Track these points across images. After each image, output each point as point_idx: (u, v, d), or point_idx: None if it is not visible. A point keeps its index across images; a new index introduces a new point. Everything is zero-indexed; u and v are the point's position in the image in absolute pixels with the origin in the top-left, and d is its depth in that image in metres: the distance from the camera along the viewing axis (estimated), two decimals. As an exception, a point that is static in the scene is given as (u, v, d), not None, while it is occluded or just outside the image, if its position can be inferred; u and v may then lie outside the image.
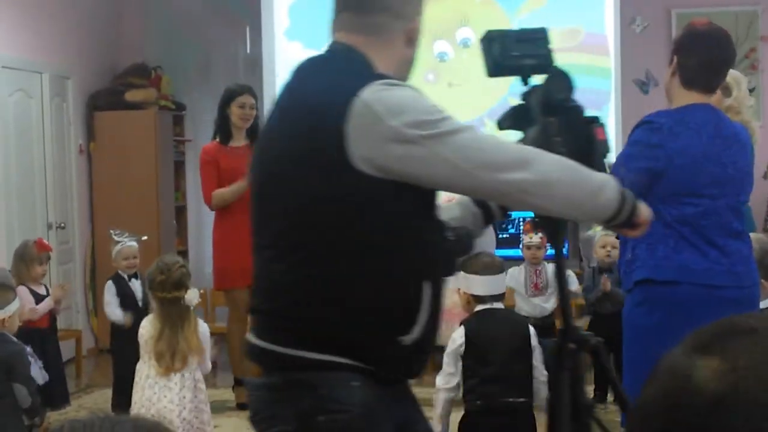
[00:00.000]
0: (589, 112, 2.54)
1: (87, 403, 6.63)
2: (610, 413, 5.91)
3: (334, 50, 2.28)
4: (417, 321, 2.17)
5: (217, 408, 6.25)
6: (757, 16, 8.48)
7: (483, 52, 2.52)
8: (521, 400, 3.78)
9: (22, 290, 5.65)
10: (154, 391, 4.31)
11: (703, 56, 3.56)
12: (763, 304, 3.85)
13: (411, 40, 2.29)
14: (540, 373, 3.79)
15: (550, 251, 6.94)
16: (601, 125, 2.50)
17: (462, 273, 3.83)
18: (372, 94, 2.06)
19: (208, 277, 6.78)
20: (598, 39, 8.22)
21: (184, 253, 8.87)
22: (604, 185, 2.23)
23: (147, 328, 4.41)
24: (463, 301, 3.90)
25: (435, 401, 3.85)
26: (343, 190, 2.09)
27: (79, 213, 8.45)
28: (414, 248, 2.16)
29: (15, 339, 4.70)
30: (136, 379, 4.42)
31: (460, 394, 3.85)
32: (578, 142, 2.42)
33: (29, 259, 5.83)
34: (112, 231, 6.18)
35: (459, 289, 3.93)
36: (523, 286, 6.46)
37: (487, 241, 3.96)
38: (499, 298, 3.86)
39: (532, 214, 7.63)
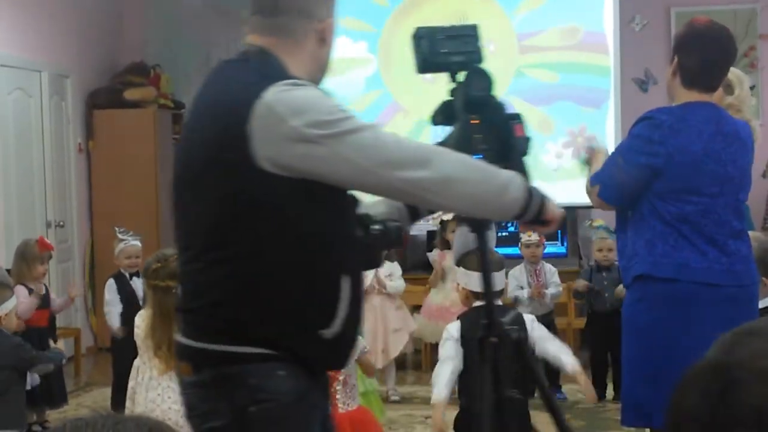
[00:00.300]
0: (510, 109, 2.60)
1: (86, 402, 6.63)
2: (609, 411, 5.92)
3: (246, 53, 2.31)
4: (337, 314, 2.21)
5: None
6: (756, 14, 8.48)
7: (413, 49, 2.58)
8: (516, 396, 3.77)
9: (19, 289, 5.67)
10: (158, 392, 4.30)
11: (704, 56, 3.55)
12: (763, 303, 3.84)
13: (323, 39, 2.32)
14: (543, 337, 3.78)
15: (549, 249, 7.01)
16: (521, 122, 2.55)
17: (461, 269, 3.82)
18: (274, 95, 2.10)
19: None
20: (597, 37, 8.21)
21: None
22: (510, 183, 2.27)
23: (140, 324, 4.41)
24: (462, 296, 3.89)
25: (437, 372, 3.75)
26: (250, 190, 2.13)
27: (78, 211, 8.44)
28: (328, 243, 2.20)
29: (10, 333, 4.71)
30: (138, 379, 4.41)
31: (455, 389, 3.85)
32: (498, 138, 2.47)
33: (31, 258, 5.85)
34: (116, 228, 6.20)
35: (458, 284, 3.92)
36: (525, 286, 6.46)
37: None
38: (498, 294, 3.84)
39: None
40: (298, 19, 2.28)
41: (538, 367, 2.79)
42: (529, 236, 6.52)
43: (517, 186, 2.28)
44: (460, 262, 3.84)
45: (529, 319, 3.86)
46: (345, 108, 2.15)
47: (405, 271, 6.80)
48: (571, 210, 8.34)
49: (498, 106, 2.54)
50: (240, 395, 2.17)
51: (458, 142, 2.40)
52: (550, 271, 6.56)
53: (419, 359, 7.46)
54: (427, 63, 2.59)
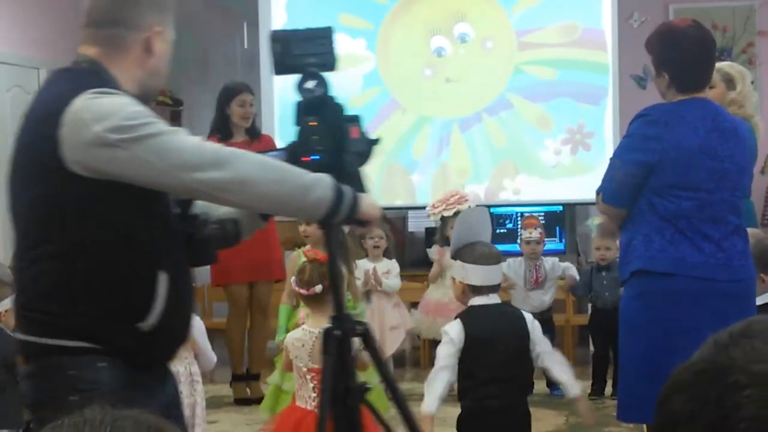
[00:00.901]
0: (349, 111, 2.70)
1: (85, 399, 6.62)
2: (607, 408, 5.92)
3: (76, 62, 2.46)
4: (152, 309, 2.33)
5: (215, 403, 6.26)
6: (754, 11, 8.48)
7: (269, 52, 2.69)
8: (518, 399, 3.75)
9: None
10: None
11: (690, 60, 3.59)
12: (761, 299, 3.84)
13: (149, 49, 2.47)
14: (546, 353, 3.76)
15: (547, 246, 7.01)
16: (359, 124, 2.66)
17: (458, 262, 3.80)
18: (81, 102, 2.25)
19: (205, 273, 6.78)
20: (595, 34, 8.21)
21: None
22: (315, 184, 2.39)
23: None
24: (458, 290, 3.85)
25: (432, 381, 3.71)
26: (64, 193, 2.28)
27: (77, 209, 8.43)
28: (142, 241, 2.35)
29: (10, 333, 4.71)
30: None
31: (455, 387, 3.82)
32: (334, 139, 2.60)
33: None
34: None
35: (455, 279, 3.90)
36: (522, 279, 6.47)
37: (483, 231, 3.92)
38: (495, 289, 3.81)
39: (531, 210, 7.62)
40: (123, 30, 2.44)
41: (385, 363, 2.87)
42: (530, 233, 6.52)
43: (324, 187, 2.40)
44: (457, 255, 3.82)
45: (529, 318, 3.84)
46: (149, 114, 2.30)
47: (403, 268, 6.80)
48: (569, 207, 8.35)
49: (336, 108, 2.66)
50: (62, 385, 2.30)
51: (297, 143, 2.59)
52: (552, 267, 6.56)
53: (417, 356, 7.46)
54: (281, 65, 2.70)
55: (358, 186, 2.55)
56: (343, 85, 8.29)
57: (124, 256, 2.33)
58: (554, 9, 8.19)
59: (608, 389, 6.33)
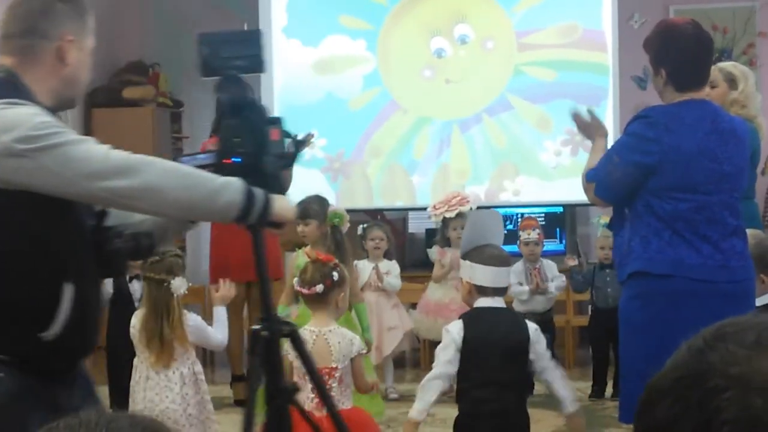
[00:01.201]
0: (270, 114, 2.79)
1: (85, 400, 6.62)
2: (608, 409, 5.92)
3: None
4: (55, 319, 2.35)
5: (215, 404, 6.22)
6: (754, 12, 8.48)
7: (197, 54, 2.74)
8: (516, 403, 3.75)
9: None
10: (156, 392, 4.31)
11: (688, 58, 3.59)
12: (761, 300, 3.84)
13: (62, 58, 2.51)
14: (548, 368, 3.76)
15: (547, 247, 7.00)
16: (279, 127, 2.72)
17: (467, 262, 3.80)
18: None
19: (206, 274, 6.78)
20: (596, 35, 8.21)
21: (181, 250, 8.85)
22: (224, 189, 2.43)
23: (135, 323, 4.42)
24: (465, 290, 3.84)
25: (426, 388, 3.69)
26: None
27: (77, 210, 8.44)
28: (49, 251, 2.37)
29: None
30: (136, 378, 4.42)
31: (454, 387, 3.82)
32: (255, 141, 2.65)
33: None
34: None
35: (462, 279, 3.89)
36: (524, 281, 6.47)
37: (494, 235, 3.91)
38: (501, 292, 3.81)
39: (530, 211, 7.61)
40: (36, 40, 2.47)
41: (310, 360, 2.95)
42: (528, 234, 6.52)
43: (233, 190, 2.43)
44: (467, 255, 3.81)
45: (533, 328, 3.81)
46: (56, 124, 2.33)
47: (403, 269, 6.80)
48: (570, 208, 8.34)
49: (257, 111, 2.73)
50: None
51: (219, 145, 2.66)
52: (549, 266, 6.57)
53: (418, 357, 7.46)
54: (208, 67, 2.74)
55: (278, 188, 2.61)
56: (344, 85, 8.32)
57: (29, 265, 2.35)
58: (554, 10, 8.19)
59: (608, 390, 6.32)
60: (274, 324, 2.74)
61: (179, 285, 4.35)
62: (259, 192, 2.47)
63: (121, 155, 2.38)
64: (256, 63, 2.75)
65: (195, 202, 2.40)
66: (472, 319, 3.75)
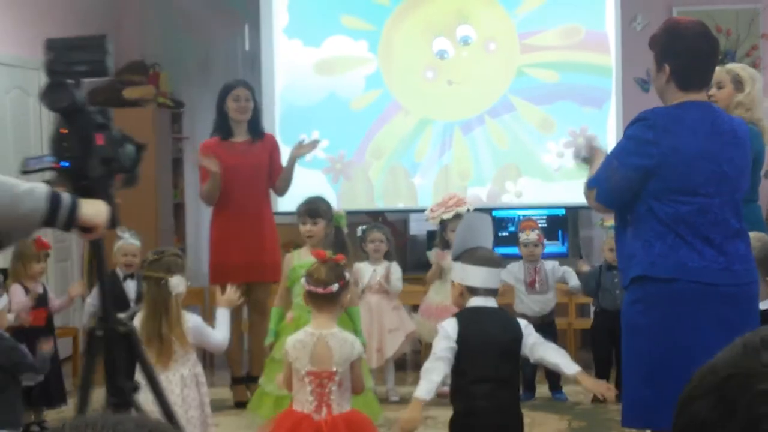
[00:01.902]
0: (99, 120, 2.88)
1: (84, 402, 6.60)
2: (610, 413, 5.89)
3: None
4: None
5: (215, 406, 6.20)
6: (757, 13, 8.45)
7: (43, 58, 2.79)
8: (509, 399, 3.75)
9: (16, 289, 5.66)
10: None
11: (693, 56, 3.56)
12: (764, 305, 3.82)
13: None
14: (540, 344, 3.77)
15: (549, 249, 6.98)
16: (104, 132, 2.81)
17: (458, 263, 3.81)
18: None
19: (206, 275, 6.76)
20: (598, 37, 8.19)
21: (181, 251, 8.84)
22: (28, 195, 2.47)
23: (136, 324, 4.40)
24: (456, 293, 3.85)
25: (429, 370, 3.66)
26: None
27: (77, 210, 8.41)
28: None
29: (6, 334, 4.68)
30: (137, 379, 4.39)
31: (445, 387, 3.82)
32: (81, 146, 2.73)
33: (27, 256, 5.83)
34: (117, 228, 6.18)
35: (453, 281, 3.89)
36: (522, 283, 6.45)
37: (484, 236, 3.91)
38: (492, 293, 3.82)
39: (533, 213, 7.58)
40: None
41: (145, 359, 3.07)
42: (528, 236, 6.50)
43: (37, 197, 2.48)
44: (459, 257, 3.82)
45: (523, 324, 3.83)
46: None
47: (405, 271, 6.78)
48: (572, 210, 8.32)
49: (85, 116, 2.79)
50: None
51: (50, 150, 2.75)
52: (552, 270, 6.53)
53: (419, 359, 7.43)
54: (51, 72, 2.79)
55: (103, 192, 2.70)
56: (345, 86, 8.30)
57: None
58: (557, 12, 8.18)
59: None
60: (110, 324, 2.80)
61: (177, 283, 4.33)
62: (66, 197, 2.52)
63: None
64: (99, 68, 2.81)
65: None
66: (467, 317, 3.77)
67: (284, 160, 6.50)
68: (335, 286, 3.98)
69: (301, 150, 6.47)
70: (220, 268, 6.36)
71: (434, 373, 3.67)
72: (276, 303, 5.29)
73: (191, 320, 4.44)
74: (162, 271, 4.33)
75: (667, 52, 3.58)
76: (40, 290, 5.87)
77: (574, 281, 6.53)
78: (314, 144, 6.62)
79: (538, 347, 3.79)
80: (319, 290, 3.97)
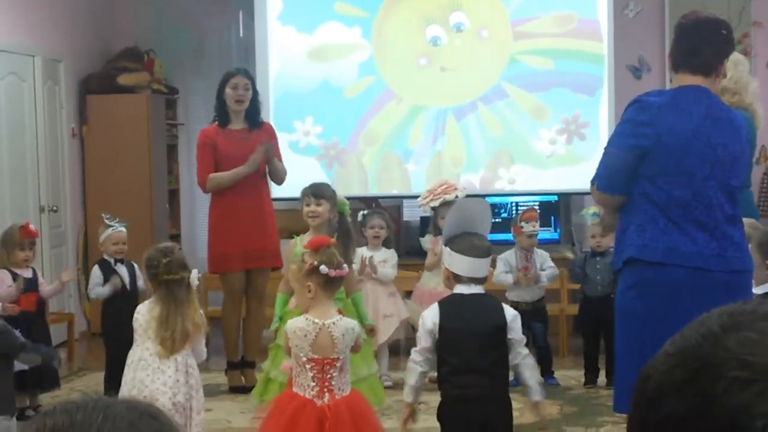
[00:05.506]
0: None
1: (79, 386, 6.63)
2: (602, 398, 5.94)
3: None
4: None
5: (210, 391, 6.26)
6: (749, 1, 8.48)
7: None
8: (495, 388, 3.77)
9: (3, 274, 5.70)
10: (147, 373, 4.29)
11: (684, 41, 3.62)
12: (763, 289, 3.81)
13: None
14: (520, 355, 3.80)
15: (542, 236, 7.00)
16: None
17: (447, 249, 3.83)
18: None
19: (200, 261, 6.78)
20: (591, 24, 8.20)
21: (176, 237, 8.86)
22: None
23: (143, 313, 4.39)
24: (444, 276, 3.90)
25: (408, 371, 3.88)
26: None
27: (72, 196, 8.43)
28: None
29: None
30: (128, 361, 4.42)
31: (434, 373, 3.91)
32: None
33: (11, 244, 5.86)
34: (103, 215, 6.19)
35: (444, 265, 3.93)
36: (515, 270, 6.47)
37: (481, 224, 3.93)
38: (479, 281, 3.84)
39: (525, 200, 7.60)
40: None
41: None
42: (533, 227, 6.50)
43: None
44: (448, 242, 3.85)
45: (510, 315, 3.84)
46: None
47: (398, 257, 6.80)
48: (564, 196, 8.35)
49: None
50: None
51: None
52: (542, 255, 6.57)
53: (412, 345, 7.45)
54: None
55: None
56: (339, 73, 8.31)
57: None
58: (550, -1, 8.19)
59: (601, 378, 6.34)
60: None
61: (194, 277, 4.37)
62: None
63: None
64: None
65: None
66: (449, 305, 3.80)
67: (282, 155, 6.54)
68: (347, 267, 4.08)
69: (262, 156, 6.31)
70: (219, 256, 6.36)
71: (411, 377, 3.84)
72: (281, 289, 5.27)
73: (202, 319, 4.49)
74: (179, 270, 4.33)
75: (677, 32, 3.70)
76: (29, 275, 5.89)
77: (550, 269, 6.53)
78: (270, 149, 6.42)
79: (519, 359, 3.84)
80: (342, 273, 3.99)
